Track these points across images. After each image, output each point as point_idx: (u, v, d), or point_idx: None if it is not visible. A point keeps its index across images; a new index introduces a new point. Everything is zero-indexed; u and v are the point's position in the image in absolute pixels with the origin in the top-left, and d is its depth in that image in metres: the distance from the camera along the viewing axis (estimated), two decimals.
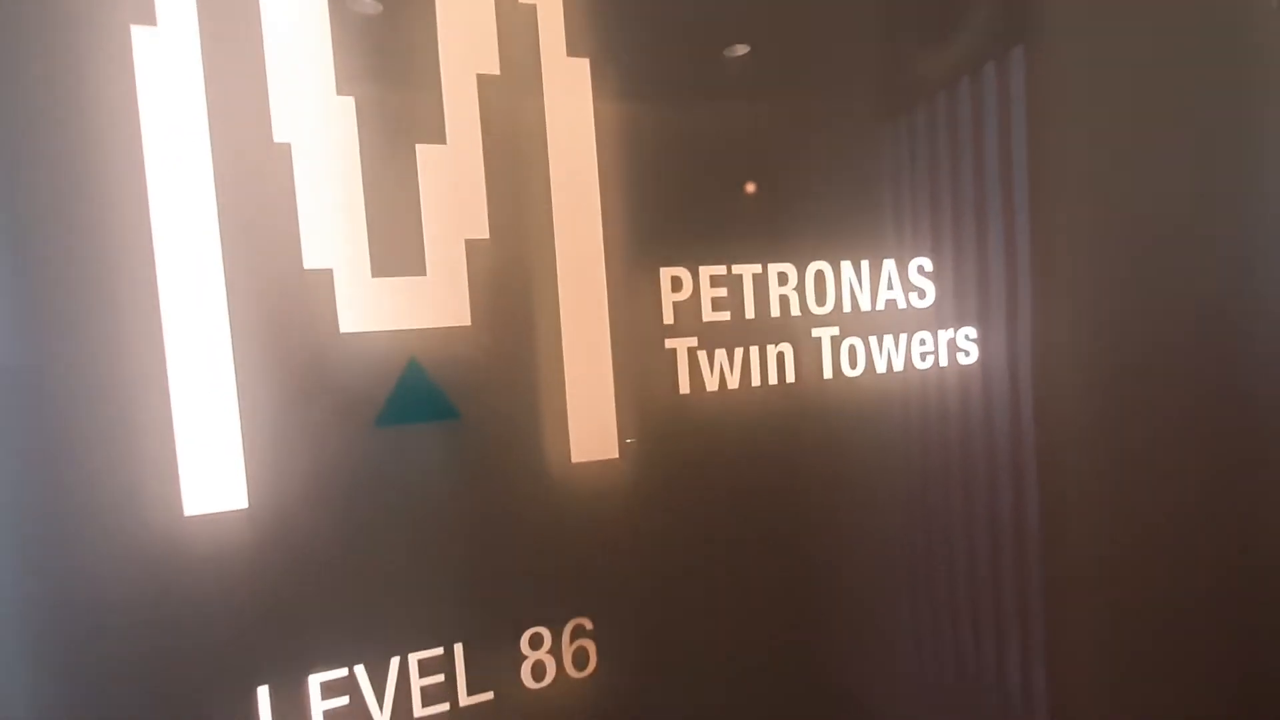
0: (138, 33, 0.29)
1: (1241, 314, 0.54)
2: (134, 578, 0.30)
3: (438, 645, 0.34)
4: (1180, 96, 0.52)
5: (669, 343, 0.38)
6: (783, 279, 0.41)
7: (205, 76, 0.30)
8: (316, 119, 0.32)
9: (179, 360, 0.30)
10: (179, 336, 0.30)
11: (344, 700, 0.33)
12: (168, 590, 0.30)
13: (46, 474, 0.29)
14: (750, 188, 0.40)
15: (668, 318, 0.38)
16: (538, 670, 0.36)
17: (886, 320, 0.43)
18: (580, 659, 0.37)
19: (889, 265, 0.43)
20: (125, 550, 0.30)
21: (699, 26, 0.39)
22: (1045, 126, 0.47)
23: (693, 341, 0.39)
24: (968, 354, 0.45)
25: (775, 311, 0.40)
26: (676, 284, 0.38)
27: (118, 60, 0.29)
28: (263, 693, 0.32)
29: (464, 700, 0.35)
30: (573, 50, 0.36)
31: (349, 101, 0.32)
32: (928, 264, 0.44)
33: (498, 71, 0.35)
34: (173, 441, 0.30)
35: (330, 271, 0.32)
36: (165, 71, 0.30)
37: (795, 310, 0.41)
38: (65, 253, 0.29)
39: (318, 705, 0.33)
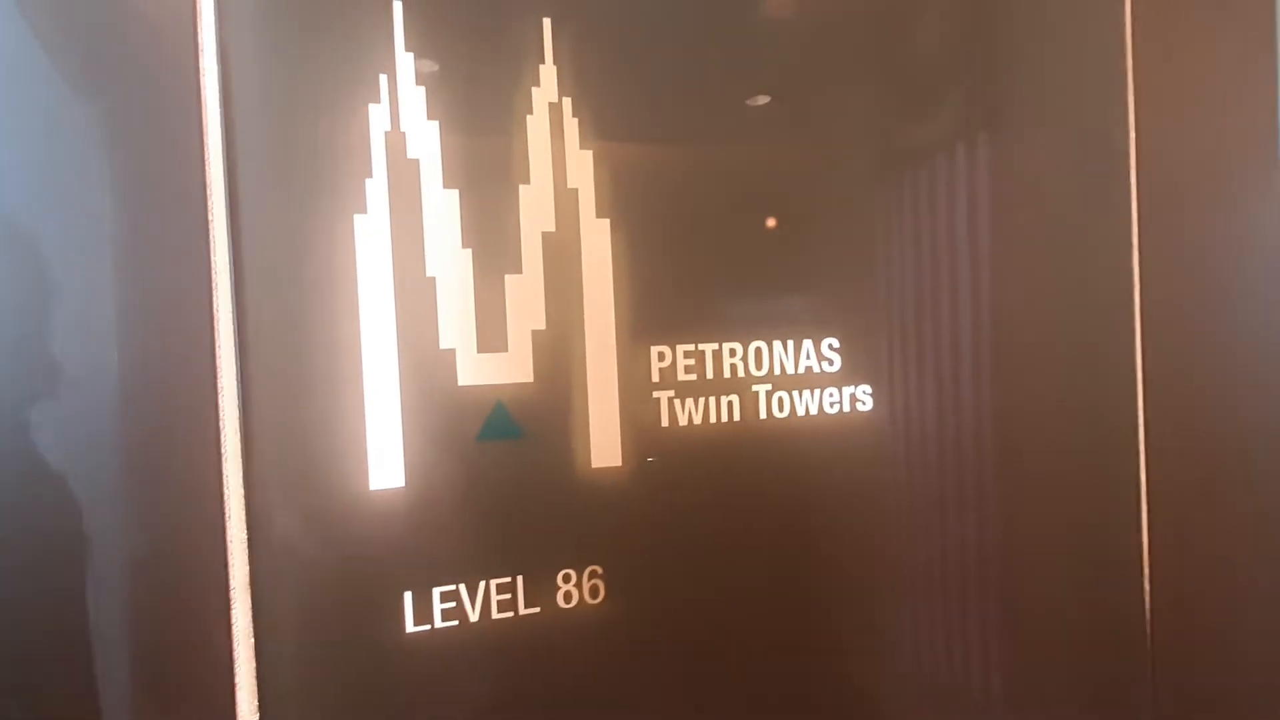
0: (358, 219, 0.53)
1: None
2: (343, 525, 0.53)
3: (508, 575, 0.57)
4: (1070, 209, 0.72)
5: (655, 394, 0.60)
6: (732, 353, 0.63)
7: (391, 239, 0.54)
8: (448, 262, 0.55)
9: (372, 393, 0.53)
10: (373, 380, 0.53)
11: (452, 604, 0.55)
12: (361, 531, 0.53)
13: (302, 461, 0.52)
14: (712, 299, 0.62)
15: (655, 378, 0.60)
16: (567, 597, 0.58)
17: (805, 380, 0.65)
18: (594, 592, 0.59)
19: (808, 343, 0.65)
20: (338, 506, 0.53)
21: (693, 201, 0.62)
22: (935, 245, 0.68)
23: (671, 393, 0.61)
24: (864, 404, 0.66)
25: (727, 374, 0.62)
26: (661, 356, 0.60)
27: (345, 237, 0.53)
28: (407, 595, 0.54)
29: (522, 611, 0.57)
30: (599, 214, 0.59)
31: (469, 251, 0.56)
32: (836, 342, 0.66)
33: (554, 229, 0.58)
34: (365, 442, 0.53)
35: (454, 349, 0.55)
36: (371, 239, 0.54)
37: (741, 373, 0.63)
38: (321, 341, 0.52)
39: (437, 605, 0.55)
